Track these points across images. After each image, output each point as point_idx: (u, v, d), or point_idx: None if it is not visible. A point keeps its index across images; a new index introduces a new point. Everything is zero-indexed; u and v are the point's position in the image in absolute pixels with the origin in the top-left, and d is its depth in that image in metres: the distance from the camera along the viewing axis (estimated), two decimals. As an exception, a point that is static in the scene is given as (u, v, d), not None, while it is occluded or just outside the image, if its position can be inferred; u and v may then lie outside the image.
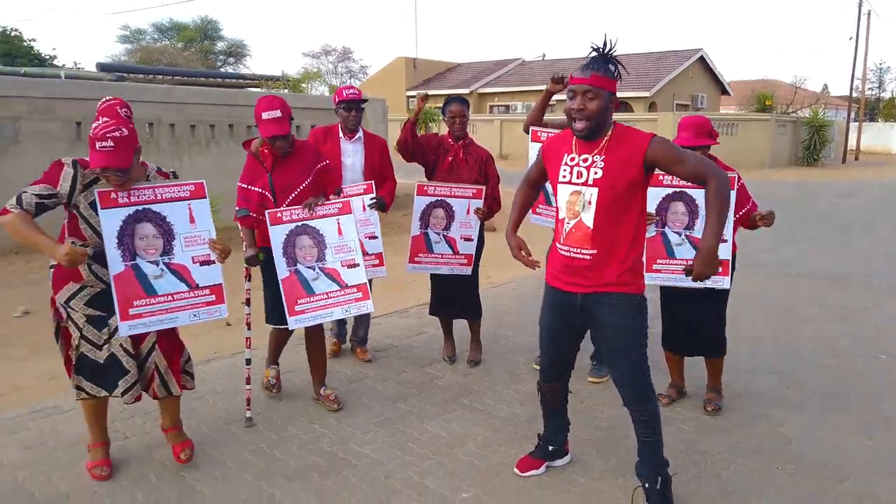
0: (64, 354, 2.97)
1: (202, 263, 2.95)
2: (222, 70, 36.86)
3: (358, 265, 3.50)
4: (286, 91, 14.07)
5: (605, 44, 2.55)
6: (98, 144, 2.61)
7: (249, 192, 3.52)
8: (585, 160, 2.58)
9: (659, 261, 3.57)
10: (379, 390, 4.05)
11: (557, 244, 2.71)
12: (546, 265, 2.91)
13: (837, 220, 11.75)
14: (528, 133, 4.13)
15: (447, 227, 4.17)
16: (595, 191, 2.54)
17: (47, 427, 3.48)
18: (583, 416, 3.68)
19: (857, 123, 33.34)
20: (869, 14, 31.56)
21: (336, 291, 3.48)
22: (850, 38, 32.37)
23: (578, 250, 2.61)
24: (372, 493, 2.94)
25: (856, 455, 3.31)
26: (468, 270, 4.26)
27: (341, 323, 4.65)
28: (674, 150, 2.53)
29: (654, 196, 3.47)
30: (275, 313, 3.64)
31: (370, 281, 3.74)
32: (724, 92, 34.87)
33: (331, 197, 3.58)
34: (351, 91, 4.20)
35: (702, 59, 32.13)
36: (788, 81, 47.54)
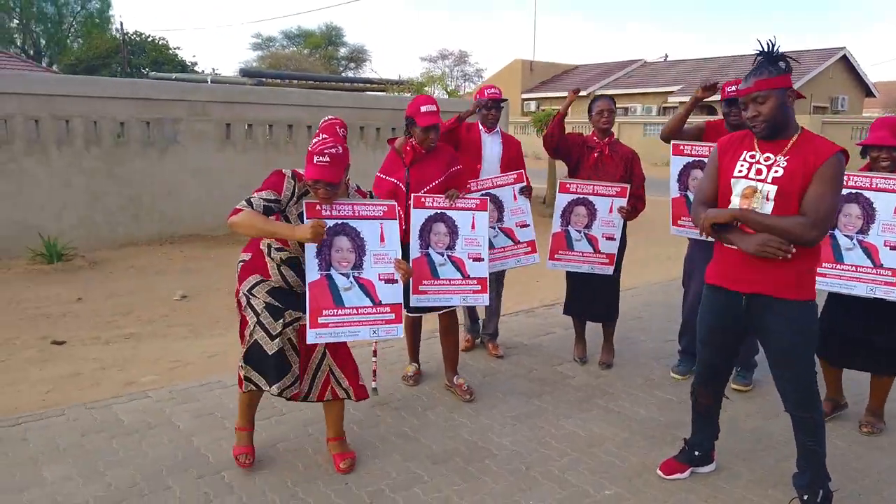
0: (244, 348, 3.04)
1: (387, 281, 3.08)
2: (345, 75, 38.48)
3: (483, 260, 3.71)
4: (409, 95, 14.51)
5: (768, 46, 2.57)
6: (316, 158, 2.80)
7: (384, 181, 3.77)
8: (767, 159, 2.58)
9: (826, 265, 3.40)
10: (512, 385, 4.13)
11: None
12: (707, 267, 2.87)
13: None
14: (666, 142, 4.08)
15: (588, 226, 4.18)
16: (773, 188, 2.53)
17: (214, 399, 3.82)
18: (727, 425, 3.56)
19: None
20: None
21: (458, 280, 3.70)
22: None
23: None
24: (514, 481, 3.02)
25: None
26: (610, 270, 4.25)
27: (474, 319, 4.78)
28: (826, 182, 2.46)
29: None
30: (405, 300, 3.84)
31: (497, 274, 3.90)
32: (869, 93, 32.30)
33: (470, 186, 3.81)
34: (492, 90, 4.38)
35: (844, 59, 29.94)
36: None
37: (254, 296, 2.97)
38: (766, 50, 2.57)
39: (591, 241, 4.19)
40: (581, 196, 4.16)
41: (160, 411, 3.65)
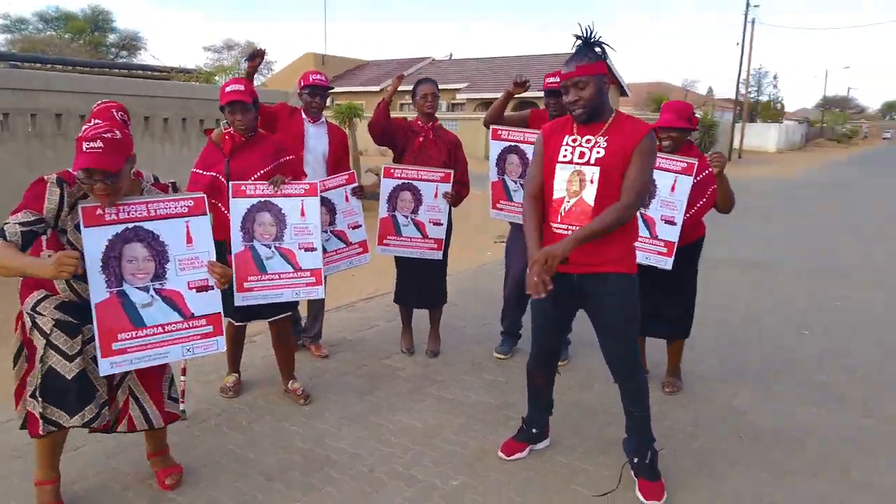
0: (18, 379, 2.54)
1: (199, 289, 2.65)
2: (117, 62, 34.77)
3: (315, 249, 3.44)
4: (197, 83, 13.46)
5: (585, 31, 2.64)
6: (85, 145, 2.29)
7: (202, 177, 3.39)
8: (588, 141, 2.66)
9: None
10: (342, 385, 3.94)
11: (553, 224, 2.72)
12: None
13: (737, 213, 12.53)
14: (487, 128, 4.17)
15: (415, 211, 4.12)
16: (597, 170, 2.61)
17: (-18, 441, 3.15)
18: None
19: (740, 124, 35.75)
20: (753, 22, 33.72)
21: (289, 273, 3.42)
22: (737, 44, 34.65)
23: (578, 228, 2.63)
24: (359, 486, 2.86)
25: (806, 423, 3.54)
26: (439, 255, 4.22)
27: (295, 322, 4.50)
28: (645, 156, 2.59)
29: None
30: (228, 305, 3.48)
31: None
32: (623, 93, 36.47)
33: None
34: (317, 76, 4.13)
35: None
36: (679, 84, 50.51)
37: (39, 314, 2.44)
38: (584, 36, 2.64)
39: (419, 226, 4.14)
40: (406, 181, 4.08)
41: None
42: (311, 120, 4.08)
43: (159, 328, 2.57)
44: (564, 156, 2.69)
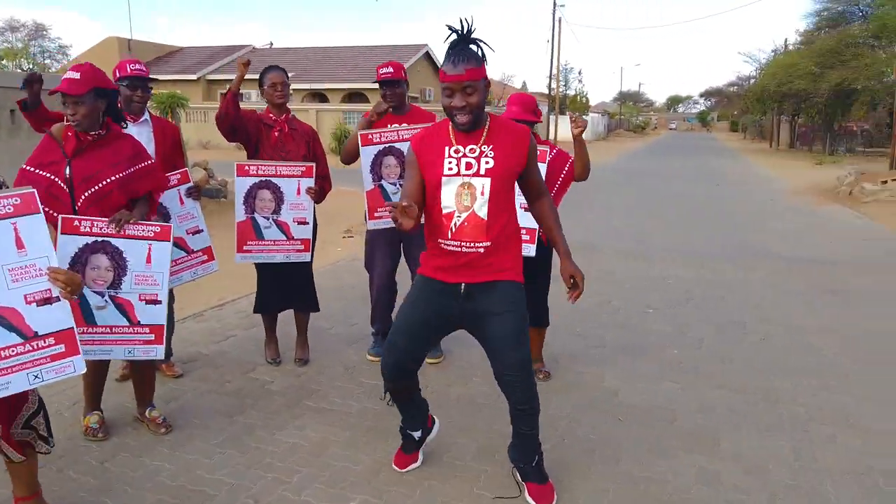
0: None
1: (41, 303, 2.20)
2: None
3: (160, 303, 2.93)
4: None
5: (463, 26, 2.40)
6: None
7: (36, 176, 2.81)
8: (472, 150, 2.46)
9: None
10: (206, 407, 3.54)
11: (443, 241, 2.50)
12: (423, 260, 2.67)
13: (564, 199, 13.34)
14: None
15: (276, 211, 3.77)
16: (487, 181, 2.44)
17: None
18: (435, 397, 3.60)
19: (553, 116, 38.25)
20: (560, 20, 36.21)
21: (123, 328, 2.91)
22: (548, 41, 36.90)
23: (471, 244, 2.47)
24: (247, 522, 2.56)
25: (671, 398, 3.77)
26: (307, 256, 3.91)
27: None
28: (535, 155, 2.59)
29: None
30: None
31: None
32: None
33: (152, 218, 3.05)
34: (136, 66, 3.62)
35: (427, 55, 33.98)
36: (498, 78, 52.84)
37: None
38: (463, 32, 2.40)
39: (282, 227, 3.80)
40: (264, 178, 3.73)
41: None
42: (133, 119, 3.53)
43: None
44: (450, 168, 2.47)
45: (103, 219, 2.80)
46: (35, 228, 2.19)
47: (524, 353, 2.55)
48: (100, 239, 2.79)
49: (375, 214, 3.92)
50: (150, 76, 3.69)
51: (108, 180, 2.89)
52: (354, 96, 30.12)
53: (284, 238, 3.82)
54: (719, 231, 9.63)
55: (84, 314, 2.79)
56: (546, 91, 42.15)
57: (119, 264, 2.83)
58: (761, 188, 16.17)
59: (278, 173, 3.74)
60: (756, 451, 3.16)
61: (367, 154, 3.84)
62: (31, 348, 2.19)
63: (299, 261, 3.91)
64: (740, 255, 7.88)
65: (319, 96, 30.72)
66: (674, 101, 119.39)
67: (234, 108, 3.66)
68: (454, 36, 2.42)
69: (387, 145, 3.83)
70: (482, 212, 2.46)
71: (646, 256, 7.73)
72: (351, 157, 4.01)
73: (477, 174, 2.45)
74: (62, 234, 2.71)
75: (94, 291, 2.81)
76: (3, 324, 2.16)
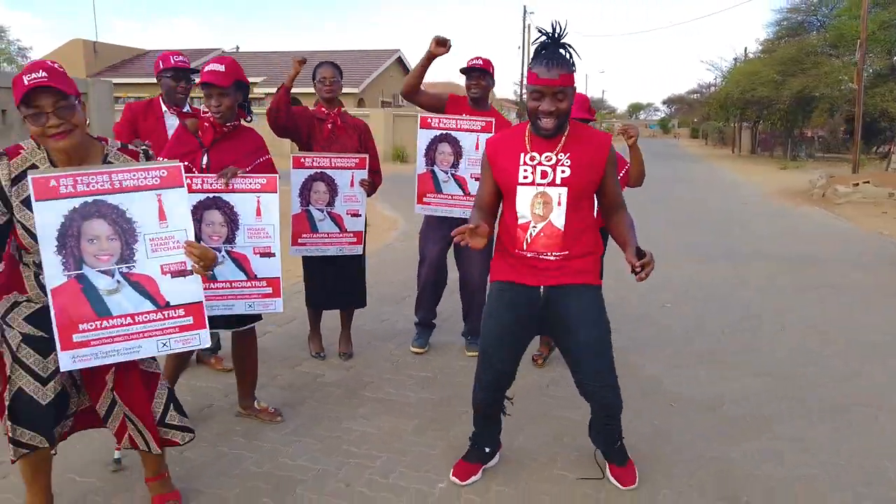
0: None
1: (175, 275, 2.21)
2: None
3: (274, 255, 3.00)
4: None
5: (555, 30, 2.38)
6: (26, 78, 1.94)
7: None
8: (549, 159, 2.43)
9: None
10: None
11: (518, 251, 2.49)
12: (495, 265, 2.65)
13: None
14: (408, 99, 4.03)
15: (331, 203, 3.81)
16: (564, 190, 2.41)
17: None
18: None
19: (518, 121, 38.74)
20: (529, 27, 36.74)
21: (242, 282, 2.98)
22: (518, 48, 37.39)
23: (547, 254, 2.46)
24: (345, 504, 2.60)
25: (713, 384, 3.92)
26: (359, 249, 3.95)
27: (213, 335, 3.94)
28: (614, 165, 2.54)
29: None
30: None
31: None
32: (421, 91, 37.52)
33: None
34: (180, 58, 3.69)
35: (399, 60, 34.05)
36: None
37: (8, 325, 2.08)
38: (553, 35, 2.37)
39: (336, 219, 3.84)
40: (319, 170, 3.76)
41: None
42: (175, 110, 3.55)
43: (128, 318, 2.17)
44: (525, 177, 2.43)
45: (211, 175, 2.87)
46: (177, 201, 2.22)
47: (605, 361, 2.55)
48: (211, 195, 2.86)
49: (424, 200, 4.02)
50: (194, 68, 3.75)
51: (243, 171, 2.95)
52: (294, 101, 29.97)
53: (338, 231, 3.86)
54: (708, 232, 9.91)
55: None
56: (513, 97, 42.67)
57: (231, 219, 2.91)
58: (737, 191, 16.65)
59: (333, 165, 3.78)
60: (808, 432, 3.32)
61: (424, 137, 3.94)
62: (162, 317, 2.22)
63: (351, 254, 3.94)
64: (733, 254, 8.13)
65: (292, 100, 30.49)
66: (635, 108, 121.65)
67: (284, 105, 3.70)
68: (543, 39, 2.39)
69: (443, 132, 3.91)
70: (559, 222, 2.43)
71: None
72: (405, 89, 4.01)
73: (552, 184, 2.42)
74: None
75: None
76: (140, 290, 2.19)
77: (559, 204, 2.41)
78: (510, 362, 2.65)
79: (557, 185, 2.41)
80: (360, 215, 3.90)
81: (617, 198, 2.58)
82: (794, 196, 14.89)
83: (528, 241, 2.46)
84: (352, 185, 3.84)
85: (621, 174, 3.84)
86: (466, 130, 3.92)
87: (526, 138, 2.48)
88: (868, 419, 3.46)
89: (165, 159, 2.43)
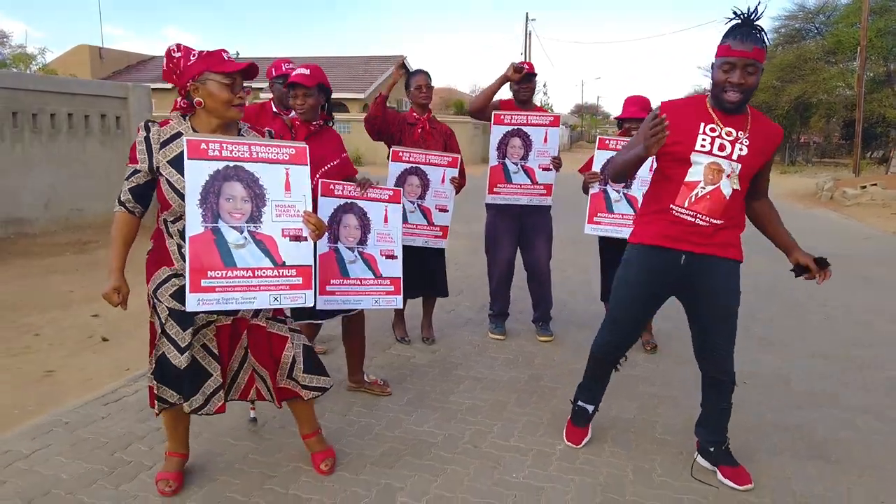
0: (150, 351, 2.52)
1: (293, 238, 2.51)
2: None
3: (397, 258, 3.37)
4: (26, 72, 11.51)
5: (748, 10, 2.40)
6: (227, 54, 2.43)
7: None
8: (730, 134, 2.51)
9: (600, 214, 4.19)
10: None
11: (677, 207, 2.57)
12: (640, 228, 2.74)
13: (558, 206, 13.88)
14: (475, 117, 4.39)
15: (422, 196, 4.10)
16: (738, 167, 2.51)
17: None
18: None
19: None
20: (531, 34, 37.27)
21: (370, 280, 3.32)
22: (521, 54, 37.80)
23: (706, 218, 2.54)
24: (480, 462, 2.88)
25: (775, 365, 4.23)
26: (444, 243, 4.22)
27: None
28: (773, 158, 2.66)
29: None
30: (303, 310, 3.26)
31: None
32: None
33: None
34: (290, 66, 4.00)
35: (404, 66, 34.33)
36: (468, 91, 53.57)
37: (158, 300, 2.41)
38: (746, 15, 2.41)
39: (425, 212, 4.12)
40: (414, 165, 4.06)
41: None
42: (286, 113, 3.76)
43: (249, 272, 2.44)
44: (703, 145, 2.51)
45: (351, 183, 3.23)
46: (300, 177, 2.52)
47: (733, 328, 2.68)
48: (349, 201, 3.23)
49: (495, 190, 4.35)
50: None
51: (331, 164, 3.28)
52: (334, 106, 30.25)
53: (426, 223, 4.14)
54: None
55: (340, 268, 3.22)
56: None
57: (364, 223, 3.28)
58: (743, 194, 17.01)
59: (427, 161, 4.08)
60: (872, 404, 3.62)
61: (497, 133, 4.28)
62: (277, 274, 2.49)
63: (437, 247, 4.22)
64: (764, 250, 8.44)
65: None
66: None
67: (381, 111, 4.01)
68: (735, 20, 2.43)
69: (515, 127, 4.24)
70: (727, 190, 2.52)
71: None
72: (477, 106, 4.34)
73: (729, 157, 2.50)
74: (322, 196, 3.15)
75: (346, 248, 3.24)
76: (262, 248, 2.47)
77: (729, 176, 2.51)
78: (637, 331, 2.88)
79: (733, 160, 2.51)
80: (447, 210, 4.18)
81: (767, 184, 2.75)
82: (803, 198, 15.29)
83: (693, 199, 2.54)
84: (443, 181, 4.13)
85: None
86: (536, 125, 4.29)
87: (710, 109, 2.54)
88: (927, 392, 3.77)
89: (294, 141, 2.80)
